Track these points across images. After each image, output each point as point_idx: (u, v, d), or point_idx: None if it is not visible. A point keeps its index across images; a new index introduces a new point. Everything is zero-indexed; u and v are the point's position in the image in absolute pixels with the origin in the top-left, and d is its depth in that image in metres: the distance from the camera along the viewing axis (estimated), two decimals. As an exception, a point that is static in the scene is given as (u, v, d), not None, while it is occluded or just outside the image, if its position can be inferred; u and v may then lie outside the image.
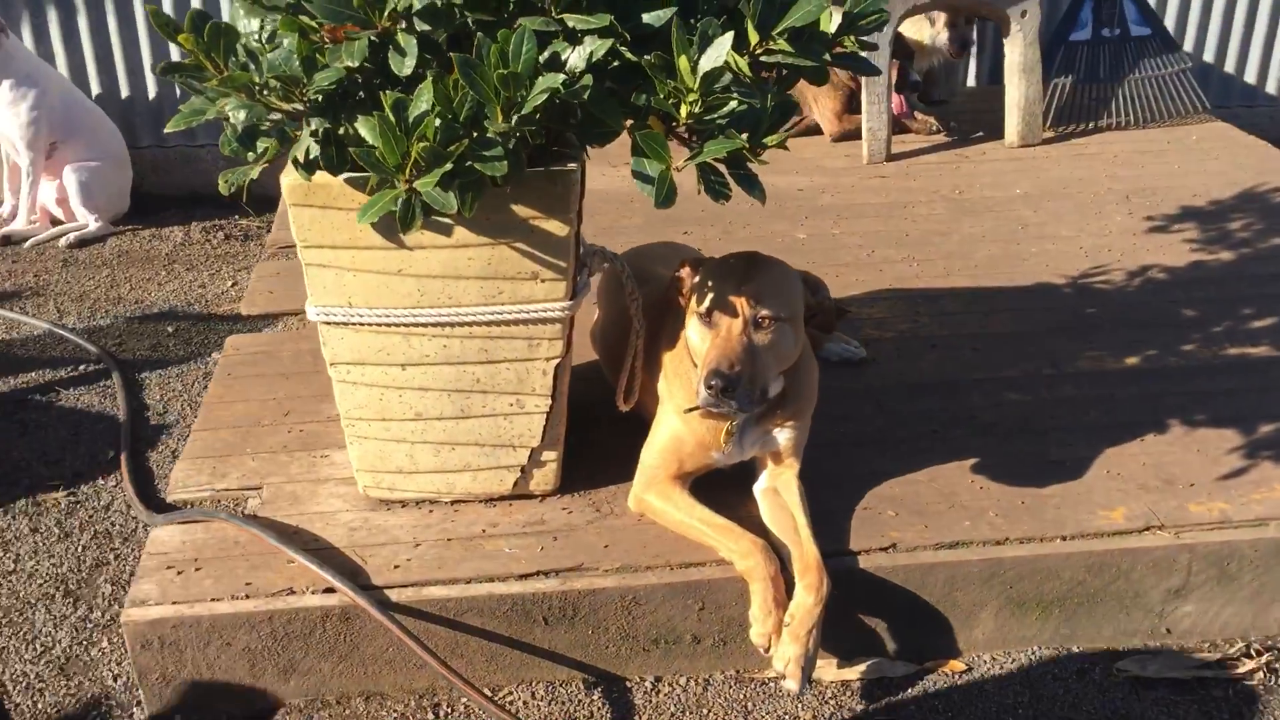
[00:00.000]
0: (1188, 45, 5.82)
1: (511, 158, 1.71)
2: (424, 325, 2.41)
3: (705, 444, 2.51)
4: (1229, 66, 6.04)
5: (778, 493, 2.59)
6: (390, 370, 2.47)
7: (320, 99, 1.70)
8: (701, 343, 2.38)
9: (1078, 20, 5.32)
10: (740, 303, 2.33)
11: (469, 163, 1.65)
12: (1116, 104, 5.35)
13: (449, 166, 1.64)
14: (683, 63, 1.59)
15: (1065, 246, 4.09)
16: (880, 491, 2.71)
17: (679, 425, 2.53)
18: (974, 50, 5.73)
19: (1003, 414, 3.03)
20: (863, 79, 4.89)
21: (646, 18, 1.69)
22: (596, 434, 2.83)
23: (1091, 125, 5.32)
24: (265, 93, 1.67)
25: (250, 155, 1.92)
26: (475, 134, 1.64)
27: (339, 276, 2.35)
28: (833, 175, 4.86)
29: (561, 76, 1.61)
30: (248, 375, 3.26)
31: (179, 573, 2.47)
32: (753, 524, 2.54)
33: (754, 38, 1.65)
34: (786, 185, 4.72)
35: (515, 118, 1.62)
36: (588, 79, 1.63)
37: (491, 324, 2.42)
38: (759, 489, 2.63)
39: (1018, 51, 5.01)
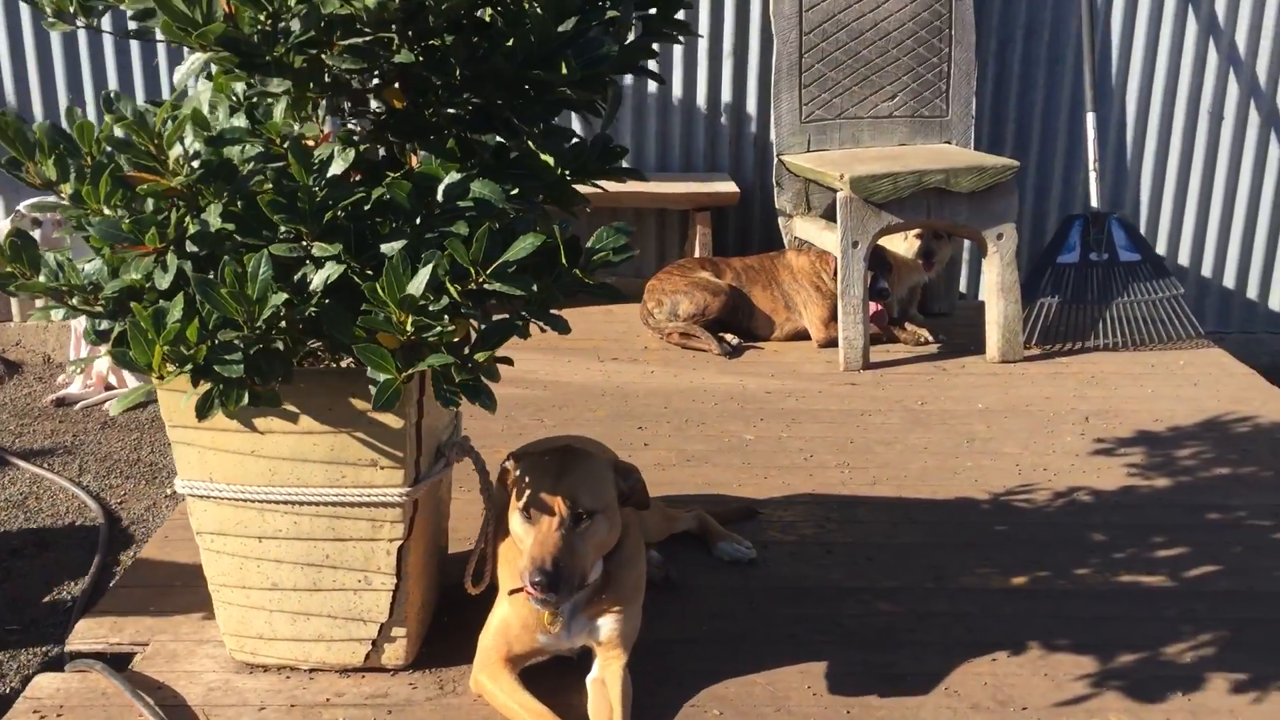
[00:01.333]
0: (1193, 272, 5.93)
1: (275, 361, 1.98)
2: (276, 503, 2.65)
3: (531, 627, 2.66)
4: (1226, 291, 6.12)
5: (604, 683, 2.70)
6: (248, 541, 2.71)
7: (111, 304, 2.01)
8: (525, 536, 2.57)
9: (1065, 244, 5.48)
10: (556, 501, 2.52)
11: (214, 365, 1.92)
12: (1105, 325, 5.44)
13: (191, 367, 1.91)
14: (387, 290, 1.85)
15: (1002, 463, 4.16)
16: (716, 690, 2.80)
17: (508, 608, 2.69)
18: (962, 264, 5.93)
19: (868, 624, 3.10)
20: (837, 291, 5.11)
21: (384, 248, 1.97)
22: (471, 613, 2.99)
23: (1079, 345, 5.41)
24: (71, 298, 1.99)
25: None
26: (216, 340, 1.91)
27: (201, 454, 2.63)
28: (805, 380, 5.03)
29: (284, 296, 1.89)
30: (181, 539, 3.54)
31: (42, 718, 2.69)
32: (580, 714, 2.66)
33: (471, 270, 1.91)
34: (756, 387, 4.92)
35: (253, 329, 1.89)
36: (319, 299, 1.91)
37: (337, 505, 2.65)
38: (590, 678, 2.75)
39: (995, 272, 5.18)
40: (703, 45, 5.98)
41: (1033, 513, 3.78)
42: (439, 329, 1.88)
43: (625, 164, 2.42)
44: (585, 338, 5.49)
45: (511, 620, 2.68)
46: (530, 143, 2.32)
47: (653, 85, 6.02)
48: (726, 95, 6.07)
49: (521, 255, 1.91)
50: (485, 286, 1.91)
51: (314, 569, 2.72)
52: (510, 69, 2.12)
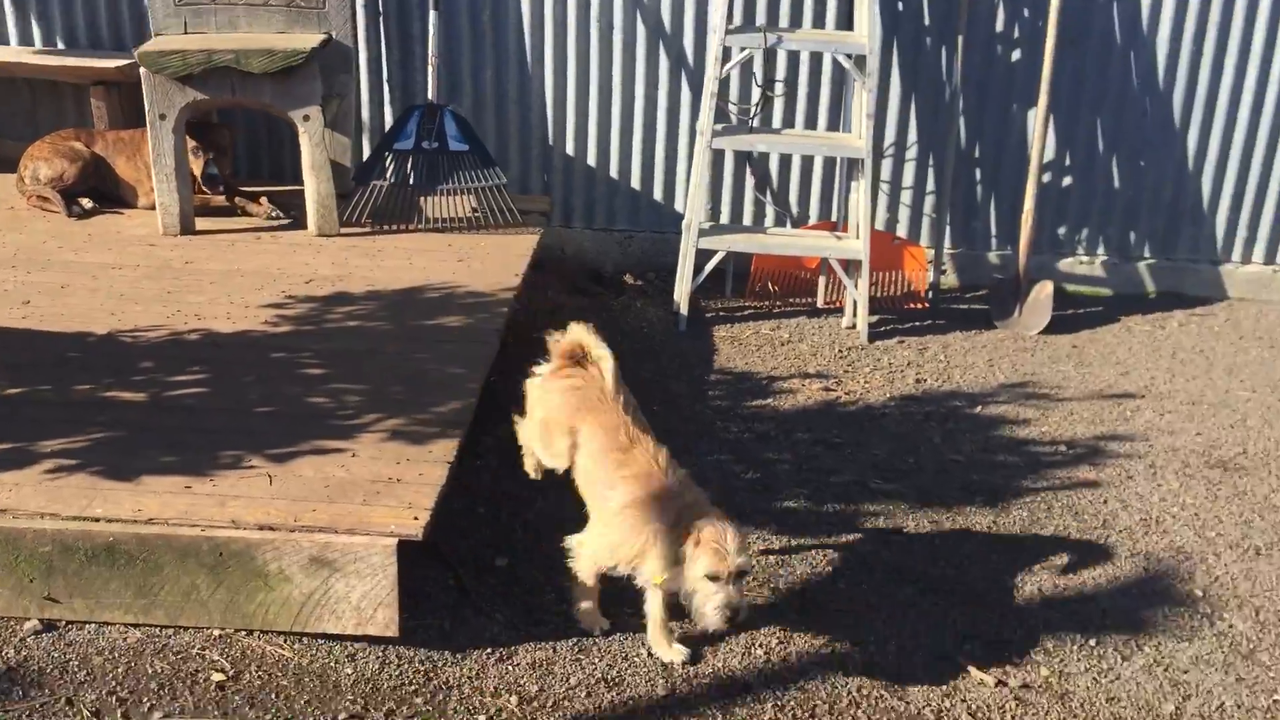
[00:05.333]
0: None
1: None
2: None
3: None
4: (635, 192, 6.66)
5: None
6: None
7: None
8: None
9: (403, 131, 5.98)
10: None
11: None
12: (431, 208, 5.96)
13: None
14: None
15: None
16: None
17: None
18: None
19: None
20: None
21: None
22: None
23: (405, 226, 5.93)
24: None
25: None
26: None
27: None
28: (127, 243, 5.55)
29: None
30: None
31: None
32: None
33: None
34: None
35: None
36: None
37: None
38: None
39: (306, 152, 5.69)
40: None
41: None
42: None
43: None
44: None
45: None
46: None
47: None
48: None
49: None
50: None
51: None
52: None
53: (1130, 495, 4.58)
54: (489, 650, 3.41)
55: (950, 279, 7.07)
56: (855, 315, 6.24)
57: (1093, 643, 3.61)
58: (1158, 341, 6.36)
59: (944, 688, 3.36)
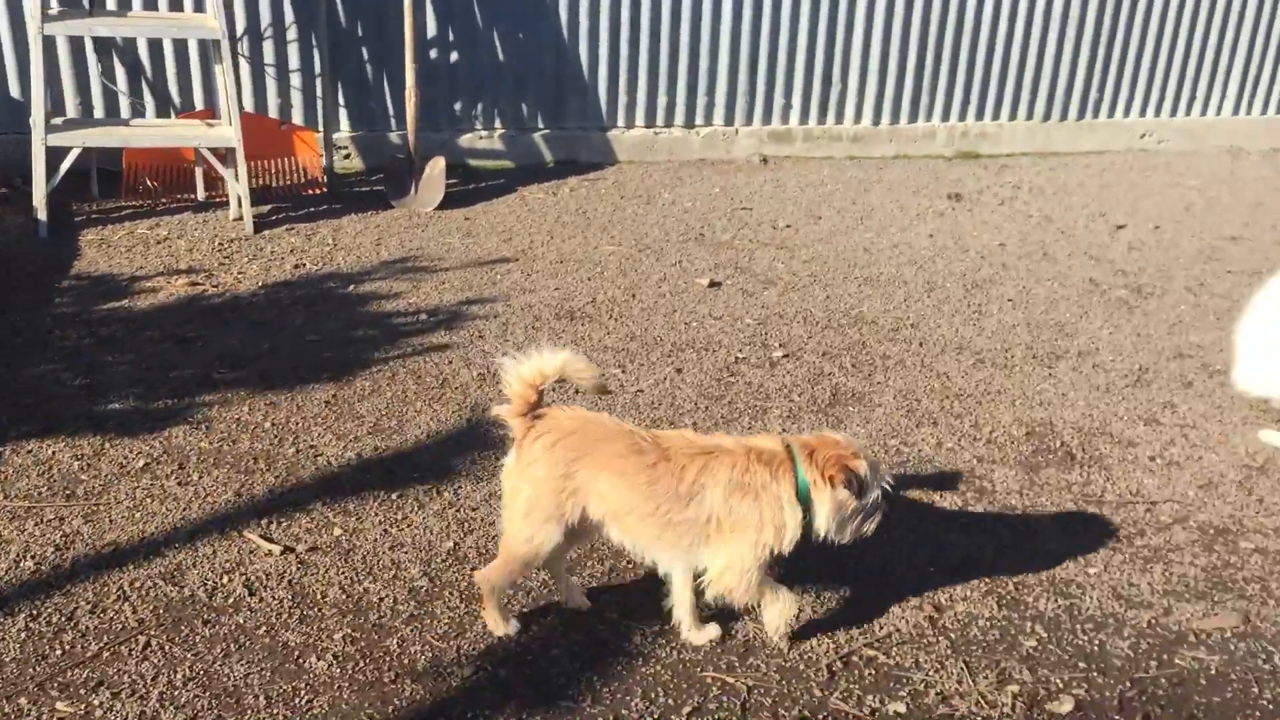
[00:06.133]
0: None
1: None
2: None
3: None
4: None
5: None
6: None
7: None
8: None
9: None
10: None
11: None
12: None
13: None
14: None
15: None
16: None
17: None
18: None
19: None
20: None
21: None
22: None
23: None
24: None
25: None
26: None
27: None
28: None
29: None
30: None
31: None
32: None
33: None
34: None
35: None
36: None
37: None
38: None
39: None
40: None
41: None
42: None
43: None
44: None
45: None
46: None
47: None
48: None
49: None
50: None
51: None
52: None
53: (475, 353, 4.76)
54: None
55: (355, 162, 7.00)
56: (241, 206, 6.00)
57: (395, 496, 3.72)
58: (547, 208, 6.66)
59: (225, 562, 3.32)
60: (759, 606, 3.04)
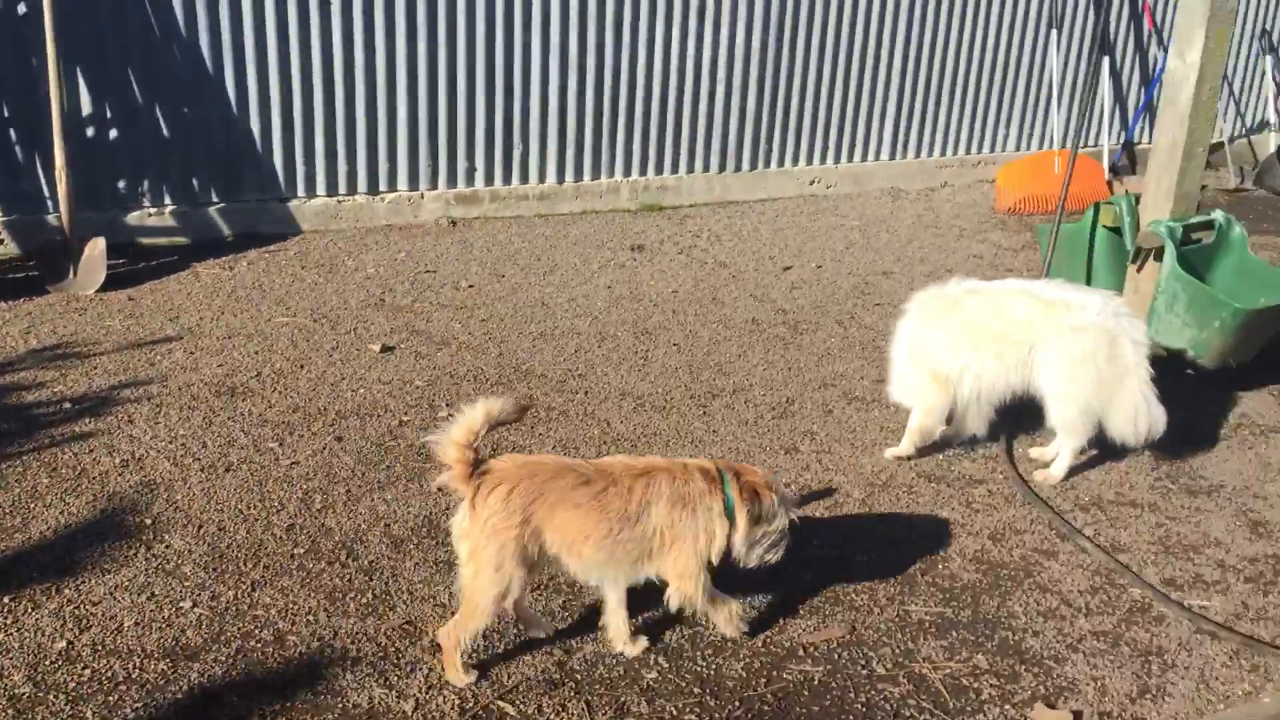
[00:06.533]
0: None
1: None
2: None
3: None
4: None
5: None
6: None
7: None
8: None
9: None
10: None
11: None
12: None
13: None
14: None
15: None
16: None
17: None
18: None
19: None
20: None
21: None
22: None
23: None
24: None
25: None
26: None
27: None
28: None
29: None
30: None
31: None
32: None
33: None
34: None
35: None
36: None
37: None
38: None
39: None
40: None
41: None
42: None
43: None
44: None
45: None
46: None
47: None
48: None
49: None
50: None
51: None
52: None
53: (122, 439, 4.58)
54: None
55: (10, 248, 6.63)
56: None
57: (7, 599, 3.52)
58: (221, 283, 6.50)
59: None
60: (710, 611, 3.36)
